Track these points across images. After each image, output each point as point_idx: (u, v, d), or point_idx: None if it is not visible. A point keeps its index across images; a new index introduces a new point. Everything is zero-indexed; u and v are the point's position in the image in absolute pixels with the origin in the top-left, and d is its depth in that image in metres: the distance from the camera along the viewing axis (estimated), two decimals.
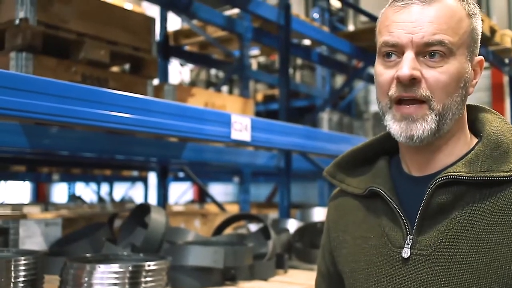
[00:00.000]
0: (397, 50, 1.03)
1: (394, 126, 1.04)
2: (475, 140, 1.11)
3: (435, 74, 1.01)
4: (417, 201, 1.05)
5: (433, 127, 1.01)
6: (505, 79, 5.95)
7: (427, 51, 1.01)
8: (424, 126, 1.01)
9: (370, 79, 6.16)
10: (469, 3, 1.07)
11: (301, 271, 2.40)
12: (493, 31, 4.12)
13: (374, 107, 7.78)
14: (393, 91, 1.03)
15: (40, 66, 2.19)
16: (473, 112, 1.14)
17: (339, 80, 7.32)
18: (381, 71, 1.06)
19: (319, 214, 3.24)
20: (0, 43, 2.21)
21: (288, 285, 2.07)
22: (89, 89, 1.71)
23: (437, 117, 1.01)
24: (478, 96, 6.22)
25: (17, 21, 2.16)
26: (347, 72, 5.92)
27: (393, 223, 1.08)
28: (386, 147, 1.21)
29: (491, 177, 0.99)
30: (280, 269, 2.32)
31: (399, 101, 1.03)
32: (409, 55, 1.01)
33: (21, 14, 2.16)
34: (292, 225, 2.94)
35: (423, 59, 1.02)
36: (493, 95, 6.24)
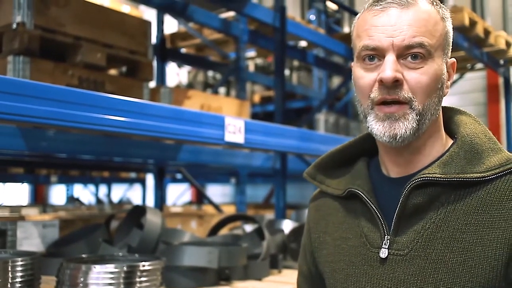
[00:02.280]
0: (377, 53, 1.05)
1: (377, 126, 1.05)
2: (450, 142, 1.13)
3: (416, 76, 1.03)
4: (395, 202, 1.08)
5: (414, 126, 1.04)
6: (500, 80, 5.99)
7: (408, 53, 1.03)
8: (406, 125, 1.03)
9: None
10: (442, 7, 1.10)
11: (295, 271, 2.39)
12: (487, 32, 4.15)
13: None
14: (376, 93, 1.05)
15: (37, 70, 2.22)
16: (448, 113, 1.17)
17: (336, 81, 7.35)
18: (361, 74, 1.08)
19: None
20: None
21: (282, 285, 2.10)
22: (85, 93, 1.74)
23: (418, 116, 1.04)
24: (473, 97, 6.26)
25: (14, 25, 2.19)
26: (343, 74, 5.95)
27: (371, 223, 1.11)
28: (365, 148, 1.23)
29: (465, 178, 1.02)
30: (274, 269, 2.35)
31: (381, 103, 1.05)
32: (390, 57, 1.03)
33: (18, 18, 2.19)
34: (287, 225, 2.96)
35: (404, 61, 1.04)
36: (488, 96, 6.27)
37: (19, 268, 1.53)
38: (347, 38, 4.95)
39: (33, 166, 5.89)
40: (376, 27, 1.05)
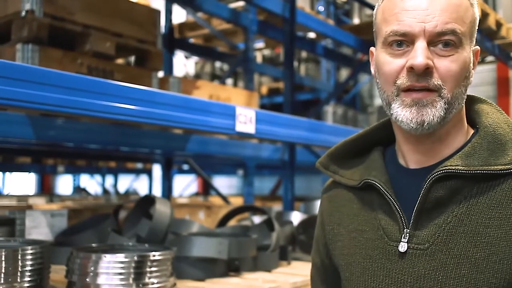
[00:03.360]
0: (407, 39, 1.01)
1: (403, 113, 1.01)
2: (472, 131, 1.10)
3: (447, 64, 1.00)
4: (414, 194, 1.04)
5: (442, 114, 1.00)
6: (511, 73, 5.93)
7: (439, 40, 0.99)
8: (434, 112, 1.00)
9: None
10: None
11: (304, 263, 2.41)
12: (499, 24, 4.10)
13: (379, 101, 7.77)
14: (403, 80, 1.01)
15: (46, 58, 2.20)
16: (469, 102, 1.13)
17: (344, 73, 7.31)
18: (387, 59, 1.03)
19: None
20: (6, 34, 2.22)
21: (291, 277, 2.09)
22: (95, 81, 1.72)
23: (446, 105, 1.00)
24: (483, 89, 6.21)
25: (23, 13, 2.17)
26: (352, 65, 5.91)
27: (389, 216, 1.08)
28: (380, 138, 1.20)
29: (488, 171, 0.99)
30: (284, 261, 2.33)
31: (408, 90, 1.01)
32: (421, 44, 0.99)
33: (27, 6, 2.17)
34: (296, 217, 2.95)
35: (434, 48, 1.00)
36: (498, 89, 6.22)
37: (28, 257, 1.52)
38: (357, 30, 4.92)
39: (40, 156, 5.90)
40: (406, 11, 1.01)
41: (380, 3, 1.09)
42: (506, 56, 4.88)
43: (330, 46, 5.87)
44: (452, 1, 1.01)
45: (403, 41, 1.02)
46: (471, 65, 1.05)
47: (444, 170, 1.01)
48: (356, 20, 5.51)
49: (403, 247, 1.03)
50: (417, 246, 1.02)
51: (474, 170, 0.99)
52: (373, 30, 1.12)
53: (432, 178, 1.02)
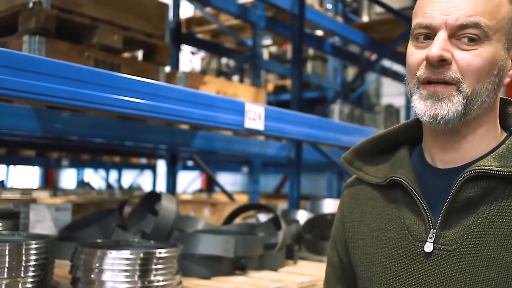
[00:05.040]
0: (430, 31, 1.00)
1: (419, 105, 1.01)
2: (504, 135, 1.07)
3: (467, 57, 0.98)
4: (442, 194, 1.02)
5: (459, 110, 0.98)
6: None
7: (462, 34, 0.98)
8: (450, 106, 0.98)
9: (383, 71, 6.11)
10: None
11: (311, 263, 2.38)
12: None
13: (385, 100, 7.73)
14: (421, 71, 1.00)
15: (53, 50, 2.17)
16: (502, 105, 1.10)
17: (351, 72, 7.27)
18: (412, 51, 1.03)
19: (329, 206, 3.22)
20: (13, 26, 2.19)
21: (297, 276, 2.05)
22: (102, 73, 1.69)
23: (465, 100, 0.98)
24: None
25: (30, 4, 2.14)
26: (359, 64, 5.87)
27: (415, 215, 1.05)
28: (408, 136, 1.17)
29: None
30: (290, 260, 2.30)
31: (427, 82, 1.00)
32: (441, 35, 0.98)
33: None
34: (302, 216, 2.92)
35: (456, 41, 0.98)
36: (506, 92, 6.16)
37: (33, 252, 1.49)
38: (366, 27, 4.88)
39: (45, 149, 5.89)
40: (432, 3, 1.00)
41: None
42: None
43: (337, 44, 5.83)
44: None
45: (428, 33, 1.01)
46: (502, 63, 1.01)
47: (477, 169, 0.98)
48: (365, 18, 5.47)
49: (429, 247, 1.01)
50: (444, 247, 0.99)
51: (509, 172, 0.96)
52: (409, 28, 1.11)
53: (464, 177, 0.99)
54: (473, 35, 0.97)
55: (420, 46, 1.02)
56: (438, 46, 0.97)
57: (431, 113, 0.99)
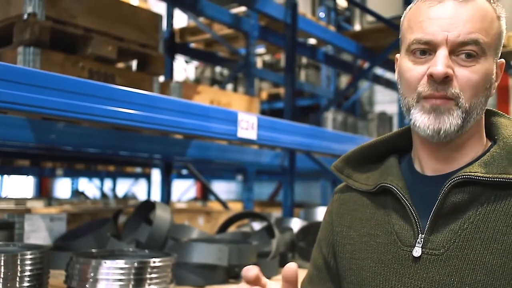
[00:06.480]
0: (429, 47, 1.02)
1: (421, 119, 1.02)
2: (489, 143, 1.10)
3: (467, 74, 1.00)
4: (429, 200, 1.04)
5: (459, 123, 1.01)
6: (511, 81, 5.93)
7: (461, 50, 1.00)
8: (451, 120, 1.00)
9: (375, 79, 6.15)
10: (498, 5, 1.07)
11: (304, 270, 2.38)
12: None
13: (378, 108, 7.78)
14: (424, 87, 1.02)
15: (48, 61, 2.19)
16: (486, 115, 1.13)
17: (344, 80, 7.31)
18: (410, 67, 1.05)
19: (322, 213, 3.22)
20: (8, 37, 2.21)
21: None
22: (97, 85, 1.71)
23: (463, 114, 1.01)
24: None
25: (25, 16, 2.16)
26: (352, 72, 5.91)
27: (403, 221, 1.07)
28: (398, 145, 1.20)
29: (507, 179, 0.99)
30: None
31: (428, 96, 1.02)
32: (442, 52, 1.00)
33: (30, 9, 2.16)
34: (296, 224, 2.93)
35: (455, 57, 1.01)
36: (498, 98, 6.22)
37: (28, 262, 1.50)
38: (358, 36, 4.92)
39: (39, 159, 5.88)
40: (430, 19, 1.02)
41: (406, 12, 1.10)
42: (506, 64, 4.88)
43: (330, 53, 5.87)
44: (477, 12, 1.01)
45: (426, 49, 1.03)
46: (493, 77, 1.05)
47: (464, 175, 1.01)
48: (357, 27, 5.52)
49: (417, 252, 1.03)
50: (432, 252, 1.02)
51: (493, 178, 0.99)
52: (399, 37, 1.13)
53: (451, 183, 1.02)
54: (471, 52, 1.00)
55: (418, 62, 1.04)
56: (442, 63, 0.99)
57: (435, 127, 1.01)
